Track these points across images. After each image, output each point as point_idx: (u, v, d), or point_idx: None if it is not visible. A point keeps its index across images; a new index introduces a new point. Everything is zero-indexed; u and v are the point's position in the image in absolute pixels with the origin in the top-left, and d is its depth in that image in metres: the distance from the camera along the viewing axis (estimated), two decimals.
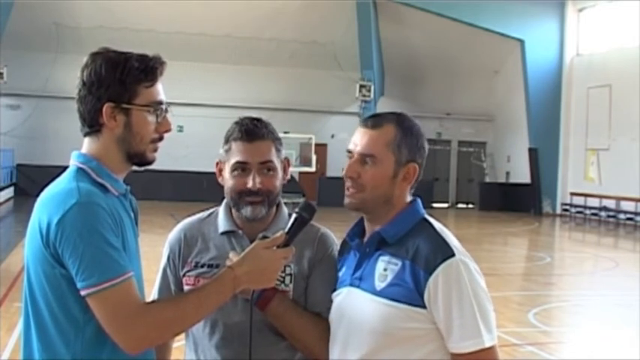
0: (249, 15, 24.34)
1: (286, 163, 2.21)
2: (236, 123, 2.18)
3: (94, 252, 1.72)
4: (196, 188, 22.88)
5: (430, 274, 1.84)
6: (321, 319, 2.08)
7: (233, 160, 2.12)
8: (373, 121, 2.02)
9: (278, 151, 2.16)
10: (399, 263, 1.90)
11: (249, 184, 2.10)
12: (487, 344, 1.82)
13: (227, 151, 2.15)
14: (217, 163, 2.20)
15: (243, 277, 1.87)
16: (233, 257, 1.98)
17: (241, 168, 2.12)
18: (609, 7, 23.85)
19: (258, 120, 2.18)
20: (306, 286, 2.14)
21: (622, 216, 22.69)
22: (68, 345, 1.77)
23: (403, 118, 2.03)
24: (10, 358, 6.08)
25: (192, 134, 25.58)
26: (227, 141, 2.16)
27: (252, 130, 2.12)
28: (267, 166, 2.12)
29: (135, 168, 1.96)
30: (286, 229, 1.97)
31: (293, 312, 2.08)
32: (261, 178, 2.11)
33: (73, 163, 1.88)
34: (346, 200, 2.00)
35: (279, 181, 2.16)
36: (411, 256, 1.89)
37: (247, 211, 2.12)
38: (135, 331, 1.74)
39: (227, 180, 2.16)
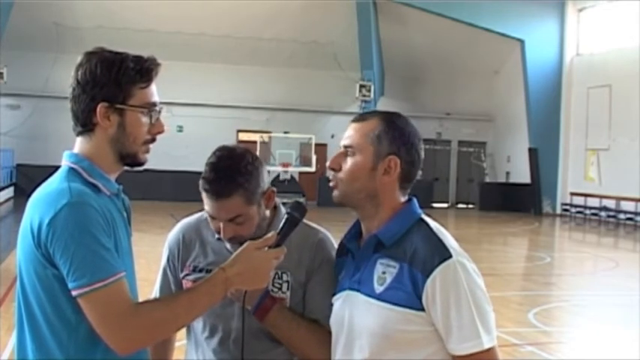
0: (249, 15, 24.33)
1: (270, 193, 2.13)
2: (207, 165, 2.06)
3: (85, 252, 1.71)
4: (196, 188, 22.61)
5: (428, 276, 1.83)
6: (319, 327, 2.07)
7: (205, 206, 2.08)
8: (360, 115, 2.04)
9: (249, 199, 2.05)
10: (397, 266, 1.89)
11: (221, 235, 2.08)
12: (486, 345, 1.81)
13: (200, 192, 2.07)
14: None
15: (235, 278, 1.86)
16: None
17: (211, 216, 2.09)
18: (609, 7, 23.84)
19: (229, 169, 2.03)
20: (304, 293, 2.12)
21: (622, 216, 22.68)
22: (61, 345, 1.77)
23: (392, 114, 2.03)
24: (10, 358, 6.08)
25: (192, 134, 25.58)
26: (200, 182, 2.07)
27: (215, 191, 2.03)
28: (236, 221, 2.05)
29: (134, 168, 1.95)
30: (278, 230, 1.96)
31: (292, 322, 2.06)
32: (232, 228, 2.06)
33: (65, 162, 1.87)
34: (333, 193, 1.99)
35: (254, 224, 2.09)
36: (408, 259, 1.88)
37: (228, 243, 2.13)
38: (125, 331, 1.73)
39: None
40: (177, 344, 2.36)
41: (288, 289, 2.11)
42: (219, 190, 2.02)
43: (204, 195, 2.06)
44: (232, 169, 2.04)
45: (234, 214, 2.04)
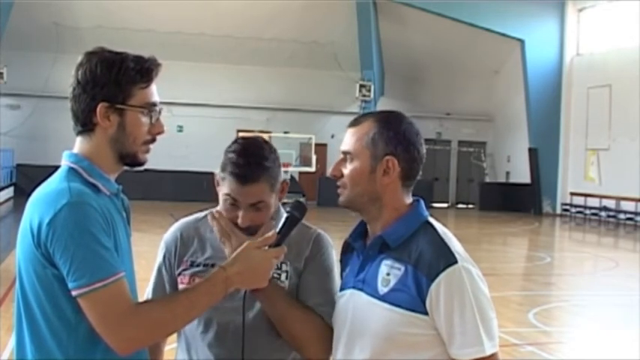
0: (249, 15, 24.34)
1: (284, 185, 2.18)
2: (233, 152, 2.09)
3: (85, 252, 1.71)
4: (196, 188, 22.87)
5: (432, 280, 1.83)
6: (314, 314, 2.07)
7: (225, 191, 2.09)
8: (355, 119, 2.04)
9: (273, 185, 2.10)
10: (402, 268, 1.89)
11: (239, 221, 2.09)
12: (488, 352, 1.82)
13: (222, 179, 2.09)
14: (216, 174, 2.15)
15: (235, 278, 1.86)
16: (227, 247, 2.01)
17: (232, 202, 2.09)
18: (609, 7, 23.85)
19: (256, 155, 2.08)
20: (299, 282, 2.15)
21: (622, 216, 22.69)
22: (61, 345, 1.77)
23: (387, 114, 2.02)
24: (10, 358, 6.08)
25: (192, 134, 25.61)
26: (223, 169, 2.09)
27: (244, 175, 2.05)
28: (257, 206, 2.08)
29: (134, 168, 1.95)
30: (278, 229, 1.97)
31: (290, 301, 2.07)
32: (251, 215, 2.08)
33: (65, 162, 1.87)
34: (338, 199, 2.01)
35: (270, 213, 2.13)
36: (413, 262, 1.88)
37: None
38: (125, 331, 1.73)
39: (221, 200, 2.14)
40: (167, 347, 2.35)
41: (286, 278, 2.13)
42: (249, 174, 2.05)
43: (230, 180, 2.06)
44: (259, 154, 2.08)
45: (258, 199, 2.07)
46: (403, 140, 1.96)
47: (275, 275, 2.10)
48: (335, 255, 2.21)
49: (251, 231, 2.08)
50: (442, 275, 1.83)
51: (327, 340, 2.06)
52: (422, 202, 2.02)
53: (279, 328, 2.07)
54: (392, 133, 1.96)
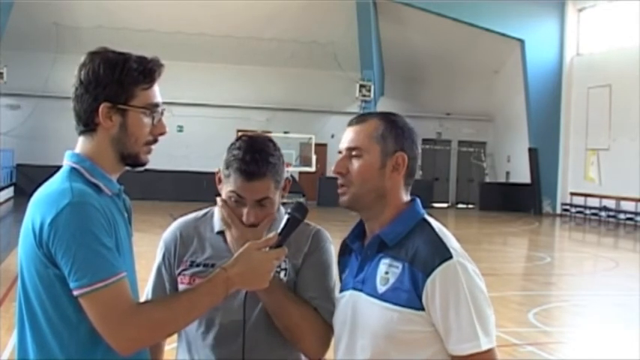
0: (249, 15, 24.35)
1: (287, 183, 2.19)
2: (238, 148, 2.10)
3: (87, 252, 1.71)
4: (196, 188, 22.87)
5: (428, 276, 1.84)
6: (311, 308, 2.08)
7: (230, 188, 2.09)
8: (358, 118, 2.05)
9: (278, 182, 2.11)
10: (400, 266, 1.90)
11: (244, 218, 2.09)
12: (484, 347, 1.82)
13: (227, 176, 2.10)
14: (217, 172, 2.16)
15: (236, 279, 1.86)
16: None
17: (237, 199, 2.09)
18: (609, 7, 23.85)
19: (262, 151, 2.09)
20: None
21: (622, 216, 22.68)
22: (62, 345, 1.77)
23: (389, 113, 2.06)
24: (10, 358, 6.09)
25: (192, 134, 25.61)
26: (228, 165, 2.09)
27: (251, 171, 2.06)
28: (262, 203, 2.09)
29: (135, 168, 1.96)
30: (279, 230, 1.97)
31: (285, 293, 2.07)
32: (256, 212, 2.09)
33: (67, 162, 1.88)
34: (340, 199, 2.00)
35: (274, 211, 2.14)
36: (409, 259, 1.89)
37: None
38: (126, 331, 1.73)
39: (224, 196, 2.14)
40: (167, 347, 2.35)
41: (285, 275, 2.13)
42: (256, 170, 2.05)
43: (236, 176, 2.06)
44: (265, 151, 2.09)
45: (263, 195, 2.08)
46: (409, 138, 2.01)
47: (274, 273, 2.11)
48: (334, 251, 2.21)
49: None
50: (437, 270, 1.84)
51: (323, 334, 2.07)
52: (418, 201, 2.04)
53: (276, 320, 2.08)
54: (400, 130, 2.00)
